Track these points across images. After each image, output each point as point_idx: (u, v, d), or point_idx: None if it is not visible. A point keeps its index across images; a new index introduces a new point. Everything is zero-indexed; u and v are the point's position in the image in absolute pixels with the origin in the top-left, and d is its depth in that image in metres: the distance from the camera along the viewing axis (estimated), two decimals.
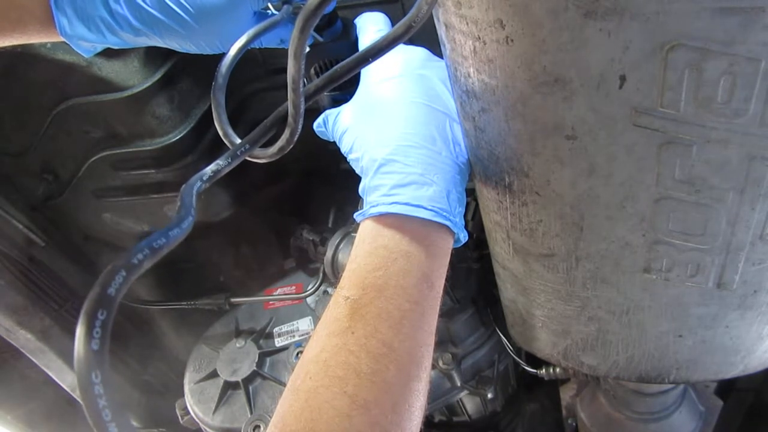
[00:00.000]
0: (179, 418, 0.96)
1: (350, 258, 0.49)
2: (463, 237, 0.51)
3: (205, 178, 0.41)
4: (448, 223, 0.48)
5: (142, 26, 0.55)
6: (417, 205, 0.47)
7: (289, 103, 0.45)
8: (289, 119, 0.46)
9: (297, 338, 0.95)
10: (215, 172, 0.42)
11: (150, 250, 0.30)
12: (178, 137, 0.86)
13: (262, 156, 0.50)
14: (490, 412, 1.04)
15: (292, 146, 0.48)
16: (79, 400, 0.25)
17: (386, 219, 0.48)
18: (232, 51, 0.53)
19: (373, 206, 0.49)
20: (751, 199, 0.38)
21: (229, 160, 0.44)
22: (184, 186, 0.39)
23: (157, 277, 1.10)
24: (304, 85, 0.46)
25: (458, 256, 0.85)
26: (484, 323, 0.91)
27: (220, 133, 0.52)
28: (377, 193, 0.49)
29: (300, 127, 0.47)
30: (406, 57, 0.55)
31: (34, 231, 0.93)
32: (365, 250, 0.48)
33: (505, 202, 0.50)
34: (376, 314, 0.44)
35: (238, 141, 0.49)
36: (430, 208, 0.47)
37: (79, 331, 0.25)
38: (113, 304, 0.26)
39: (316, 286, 0.94)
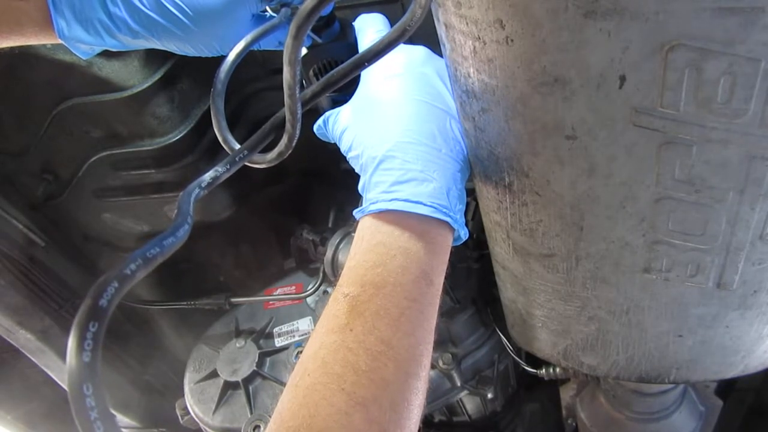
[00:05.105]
0: (179, 418, 0.96)
1: (349, 255, 0.49)
2: (464, 234, 0.51)
3: (203, 185, 0.41)
4: (448, 219, 0.48)
5: (140, 29, 0.55)
6: (416, 202, 0.47)
7: (286, 109, 0.45)
8: (287, 125, 0.47)
9: (297, 338, 0.95)
10: (214, 179, 0.42)
11: (143, 260, 0.30)
12: (178, 137, 0.86)
13: (261, 161, 0.50)
14: (490, 412, 1.04)
15: (290, 151, 0.48)
16: None
17: (385, 216, 0.48)
18: (231, 56, 0.53)
19: (373, 203, 0.49)
20: (751, 199, 0.38)
21: (228, 167, 0.44)
22: (182, 193, 0.39)
23: (157, 277, 1.10)
24: (303, 87, 0.46)
25: (458, 255, 0.85)
26: (484, 323, 0.91)
27: (220, 138, 0.52)
28: (377, 190, 0.49)
29: (298, 132, 0.47)
30: (407, 55, 0.55)
31: (34, 231, 0.93)
32: (364, 247, 0.48)
33: (505, 202, 0.50)
34: (375, 311, 0.44)
35: (237, 146, 0.49)
36: (429, 204, 0.47)
37: (71, 343, 0.25)
38: (105, 315, 0.26)
39: (316, 286, 0.94)
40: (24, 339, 0.94)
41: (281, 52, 0.43)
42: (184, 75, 0.85)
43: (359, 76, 0.57)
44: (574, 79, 0.35)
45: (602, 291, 0.51)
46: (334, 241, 0.84)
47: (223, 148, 0.52)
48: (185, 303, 1.06)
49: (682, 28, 0.31)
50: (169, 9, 0.54)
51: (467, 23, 0.37)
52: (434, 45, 0.48)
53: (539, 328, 0.62)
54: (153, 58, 0.81)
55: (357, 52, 0.59)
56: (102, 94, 0.80)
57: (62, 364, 1.00)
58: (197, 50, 0.59)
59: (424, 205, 0.47)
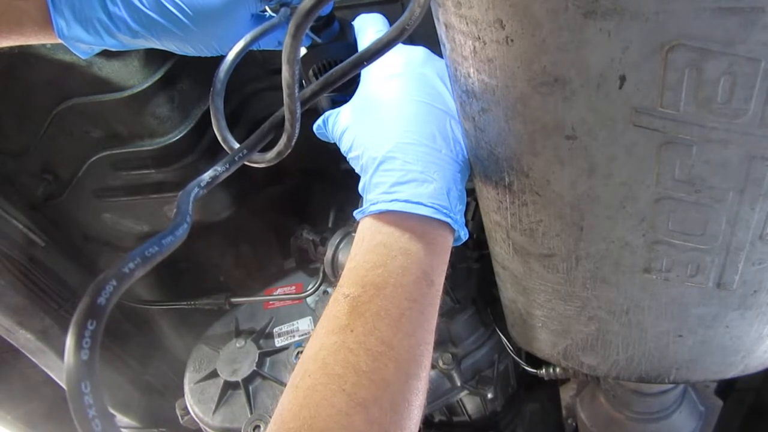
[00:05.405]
0: (179, 418, 0.96)
1: (350, 256, 0.49)
2: (464, 235, 0.51)
3: (202, 185, 0.41)
4: (448, 220, 0.48)
5: (140, 28, 0.55)
6: (417, 202, 0.47)
7: (285, 109, 0.45)
8: (286, 124, 0.47)
9: (297, 338, 0.95)
10: (213, 178, 0.42)
11: (142, 259, 0.30)
12: (178, 137, 0.86)
13: (260, 161, 0.50)
14: (490, 412, 1.04)
15: (290, 150, 0.48)
16: None
17: (386, 216, 0.48)
18: (230, 56, 0.53)
19: (373, 204, 0.49)
20: (751, 199, 0.38)
21: (227, 166, 0.44)
22: (181, 192, 0.39)
23: (157, 276, 1.10)
24: (302, 87, 0.46)
25: (458, 256, 0.85)
26: (484, 323, 0.91)
27: (219, 138, 0.52)
28: (377, 190, 0.49)
29: (297, 131, 0.47)
30: (407, 56, 0.55)
31: (34, 231, 0.93)
32: (364, 248, 0.48)
33: (505, 202, 0.50)
34: (375, 312, 0.44)
35: (237, 146, 0.49)
36: (429, 205, 0.47)
37: (69, 341, 0.25)
38: (103, 314, 0.26)
39: (316, 286, 0.94)
40: (24, 339, 0.94)
41: (281, 51, 0.43)
42: (184, 75, 0.85)
43: (359, 76, 0.57)
44: (574, 79, 0.35)
45: (602, 291, 0.51)
46: (334, 241, 0.85)
47: (223, 148, 0.52)
48: (185, 303, 1.06)
49: (682, 28, 0.31)
50: (168, 9, 0.54)
51: (467, 23, 0.37)
52: (434, 45, 0.48)
53: (539, 328, 0.62)
54: (153, 58, 0.81)
55: (357, 52, 0.59)
56: (102, 94, 0.80)
57: (62, 364, 0.99)
58: (196, 50, 0.59)
59: (425, 205, 0.47)
